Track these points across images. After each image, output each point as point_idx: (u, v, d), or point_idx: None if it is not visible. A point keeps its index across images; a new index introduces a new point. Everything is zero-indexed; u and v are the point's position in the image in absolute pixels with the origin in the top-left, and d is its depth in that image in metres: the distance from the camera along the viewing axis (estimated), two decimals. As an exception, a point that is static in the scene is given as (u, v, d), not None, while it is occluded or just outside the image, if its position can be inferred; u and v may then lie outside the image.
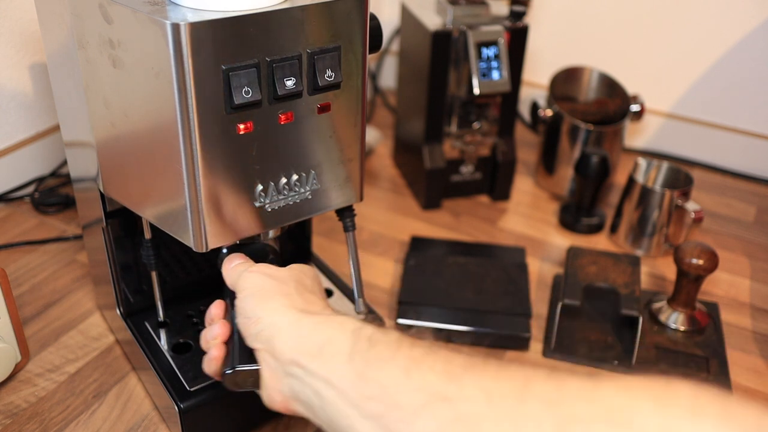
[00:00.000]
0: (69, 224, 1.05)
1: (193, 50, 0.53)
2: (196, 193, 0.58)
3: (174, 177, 0.58)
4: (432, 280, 0.93)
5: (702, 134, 1.31)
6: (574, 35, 1.35)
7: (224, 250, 0.67)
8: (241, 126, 0.58)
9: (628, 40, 1.31)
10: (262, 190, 0.62)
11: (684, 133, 1.32)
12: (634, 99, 1.14)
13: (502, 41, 1.03)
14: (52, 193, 1.09)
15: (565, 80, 1.20)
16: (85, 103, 0.64)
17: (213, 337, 0.61)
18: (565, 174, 1.16)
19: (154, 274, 0.76)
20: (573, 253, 0.93)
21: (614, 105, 1.16)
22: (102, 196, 0.71)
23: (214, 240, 0.61)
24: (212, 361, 0.60)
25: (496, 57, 1.03)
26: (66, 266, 0.97)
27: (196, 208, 0.59)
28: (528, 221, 1.13)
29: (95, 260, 0.82)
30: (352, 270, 0.74)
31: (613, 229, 1.08)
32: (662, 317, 0.90)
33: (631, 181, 1.04)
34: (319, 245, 0.99)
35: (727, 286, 1.00)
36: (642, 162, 1.06)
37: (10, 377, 0.79)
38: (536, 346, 0.87)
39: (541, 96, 1.28)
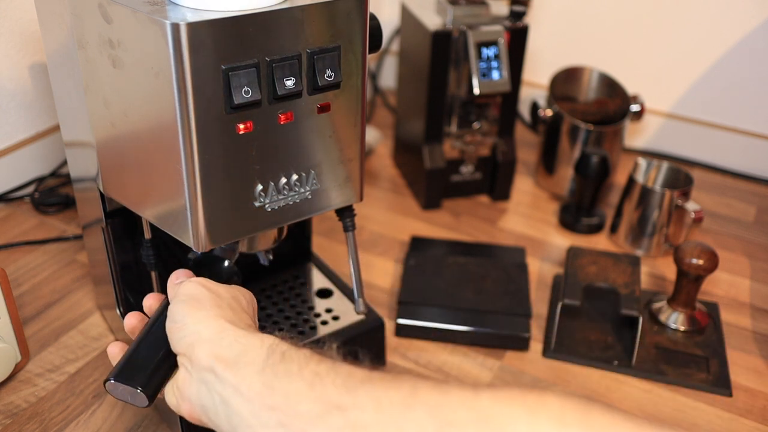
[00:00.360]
0: (69, 224, 1.05)
1: (193, 50, 0.53)
2: (195, 193, 0.58)
3: (174, 177, 0.58)
4: (432, 280, 0.93)
5: (702, 134, 1.31)
6: (574, 35, 1.35)
7: (189, 256, 0.67)
8: (241, 126, 0.58)
9: (628, 40, 1.31)
10: (261, 190, 0.62)
11: (684, 133, 1.32)
12: (634, 99, 1.14)
13: (502, 41, 1.03)
14: (52, 193, 1.09)
15: (565, 80, 1.20)
16: (85, 103, 0.64)
17: (125, 325, 0.64)
18: (565, 174, 1.16)
19: (154, 274, 0.76)
20: (573, 253, 0.93)
21: (614, 105, 1.16)
22: (102, 196, 0.71)
23: (214, 240, 0.61)
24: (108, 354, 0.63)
25: (496, 57, 1.03)
26: (66, 266, 0.97)
27: (195, 208, 0.59)
28: (528, 221, 1.13)
29: (95, 260, 0.82)
30: (352, 270, 0.74)
31: (613, 229, 1.08)
32: (662, 317, 0.90)
33: (631, 181, 1.04)
34: (319, 245, 0.99)
35: (727, 286, 1.00)
36: (642, 162, 1.06)
37: (10, 377, 0.79)
38: (536, 346, 0.87)
39: (541, 96, 1.28)
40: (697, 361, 0.85)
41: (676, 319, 0.89)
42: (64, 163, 1.13)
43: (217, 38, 0.54)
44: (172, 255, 0.81)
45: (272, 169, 0.62)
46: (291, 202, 0.64)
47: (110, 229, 0.75)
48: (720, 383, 0.82)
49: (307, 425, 0.48)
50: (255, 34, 0.55)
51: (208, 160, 0.57)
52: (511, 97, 1.10)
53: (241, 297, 0.61)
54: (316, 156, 0.64)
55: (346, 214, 0.72)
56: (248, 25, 0.55)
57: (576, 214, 1.11)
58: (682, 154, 1.33)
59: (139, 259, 0.78)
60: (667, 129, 1.33)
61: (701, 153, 1.32)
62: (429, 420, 0.46)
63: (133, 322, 0.64)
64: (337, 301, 0.84)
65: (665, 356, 0.86)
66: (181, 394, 0.56)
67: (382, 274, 0.99)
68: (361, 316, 0.81)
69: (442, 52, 1.04)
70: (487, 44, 1.03)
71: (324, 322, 0.81)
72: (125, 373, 0.58)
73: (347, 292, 0.85)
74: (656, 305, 0.92)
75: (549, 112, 1.15)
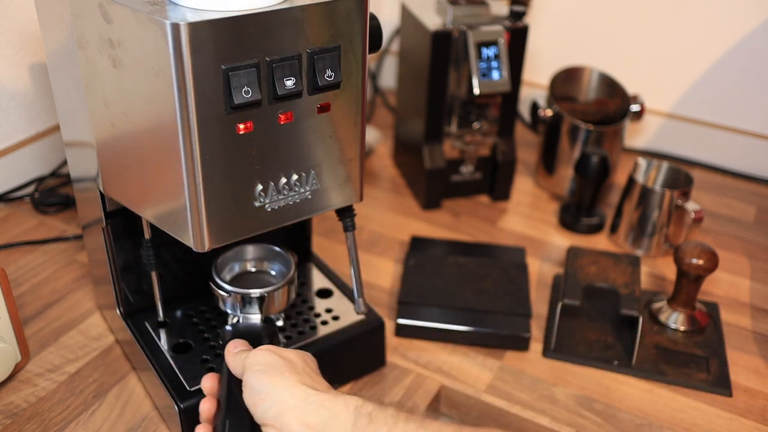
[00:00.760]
0: (69, 224, 1.05)
1: (193, 50, 0.53)
2: (195, 193, 0.58)
3: (174, 177, 0.58)
4: (432, 280, 0.93)
5: (702, 134, 1.31)
6: (574, 35, 1.35)
7: (228, 327, 0.69)
8: (241, 126, 0.58)
9: (628, 40, 1.31)
10: (261, 190, 0.62)
11: (684, 133, 1.32)
12: (634, 99, 1.14)
13: (502, 41, 1.03)
14: (52, 193, 1.09)
15: (565, 80, 1.20)
16: (85, 103, 0.64)
17: (201, 413, 0.63)
18: (565, 174, 1.16)
19: (154, 274, 0.76)
20: (573, 253, 0.93)
21: (614, 105, 1.16)
22: (102, 196, 0.71)
23: (214, 240, 0.61)
24: None
25: (496, 57, 1.03)
26: (66, 266, 0.97)
27: (195, 208, 0.59)
28: (528, 221, 1.13)
29: (95, 260, 0.82)
30: (352, 270, 0.74)
31: (613, 229, 1.08)
32: (662, 317, 0.90)
33: (631, 181, 1.04)
34: (319, 245, 0.99)
35: (727, 286, 1.00)
36: (642, 162, 1.06)
37: (10, 377, 0.79)
38: (536, 346, 0.87)
39: (541, 96, 1.28)
40: (697, 361, 0.85)
41: (676, 319, 0.89)
42: (64, 163, 1.13)
43: (217, 38, 0.54)
44: (172, 255, 0.81)
45: (272, 169, 0.62)
46: (291, 202, 0.64)
47: (110, 229, 0.75)
48: (720, 383, 0.82)
49: None
50: (255, 34, 0.55)
51: (208, 160, 0.57)
52: (511, 97, 1.10)
53: (308, 359, 0.62)
54: (316, 156, 0.64)
55: (346, 214, 0.72)
56: (248, 25, 0.55)
57: (576, 214, 1.11)
58: (682, 154, 1.33)
59: (139, 259, 0.78)
60: (667, 129, 1.33)
61: (701, 153, 1.32)
62: None
63: (206, 405, 0.64)
64: (337, 301, 0.84)
65: (665, 356, 0.86)
66: None
67: (382, 274, 0.99)
68: (361, 316, 0.81)
69: (442, 52, 1.04)
70: (487, 44, 1.03)
71: (324, 322, 0.81)
72: None
73: (347, 292, 0.85)
74: (656, 305, 0.92)
75: (549, 112, 1.15)
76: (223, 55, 0.54)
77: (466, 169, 1.15)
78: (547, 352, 0.86)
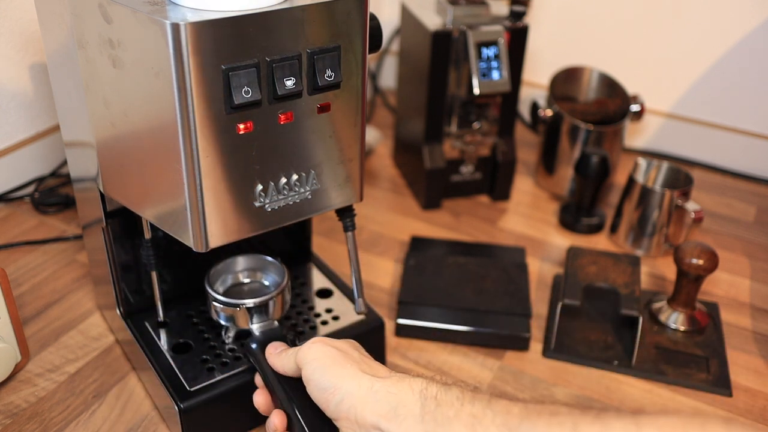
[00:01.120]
0: (69, 224, 1.05)
1: (193, 50, 0.53)
2: (196, 193, 0.58)
3: (174, 177, 0.58)
4: (432, 280, 0.93)
5: (702, 134, 1.31)
6: (574, 35, 1.35)
7: (253, 345, 0.70)
8: (241, 126, 0.58)
9: (628, 40, 1.31)
10: (262, 190, 0.62)
11: (684, 133, 1.32)
12: (634, 99, 1.14)
13: (502, 41, 1.03)
14: (52, 193, 1.09)
15: (565, 80, 1.20)
16: (85, 103, 0.64)
17: (273, 429, 0.64)
18: (565, 174, 1.16)
19: (154, 274, 0.76)
20: (573, 253, 0.93)
21: (614, 105, 1.16)
22: (102, 196, 0.71)
23: (214, 240, 0.61)
24: None
25: (496, 57, 1.03)
26: (66, 266, 0.97)
27: (195, 208, 0.59)
28: (528, 221, 1.13)
29: (95, 260, 0.82)
30: (352, 270, 0.74)
31: (613, 229, 1.08)
32: (662, 317, 0.90)
33: (631, 181, 1.04)
34: (319, 245, 0.99)
35: (727, 286, 1.00)
36: (642, 162, 1.06)
37: (10, 377, 0.79)
38: (536, 346, 0.87)
39: (541, 96, 1.28)
40: (697, 361, 0.85)
41: (676, 319, 0.89)
42: (64, 163, 1.13)
43: (217, 38, 0.54)
44: (172, 255, 0.81)
45: (272, 169, 0.62)
46: (291, 202, 0.64)
47: (110, 229, 0.75)
48: (720, 383, 0.82)
49: None
50: (255, 34, 0.55)
51: (208, 161, 0.57)
52: (511, 97, 1.10)
53: (358, 346, 0.63)
54: (316, 156, 0.64)
55: (346, 214, 0.72)
56: (248, 25, 0.55)
57: (576, 214, 1.11)
58: (682, 154, 1.33)
59: (139, 259, 0.78)
60: (667, 129, 1.33)
61: (701, 153, 1.32)
62: None
63: (261, 398, 0.66)
64: (337, 301, 0.84)
65: (665, 356, 0.86)
66: None
67: (382, 274, 0.99)
68: (361, 316, 0.81)
69: (442, 52, 1.04)
70: (487, 44, 1.03)
71: (324, 322, 0.81)
72: None
73: (347, 292, 0.85)
74: (656, 305, 0.92)
75: (549, 112, 1.15)
76: (223, 55, 0.54)
77: (466, 169, 1.15)
78: (547, 352, 0.86)
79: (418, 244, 1.02)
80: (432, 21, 1.06)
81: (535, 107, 1.17)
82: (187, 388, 0.71)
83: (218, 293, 0.73)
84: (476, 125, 1.12)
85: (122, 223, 0.75)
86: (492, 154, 1.15)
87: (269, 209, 0.63)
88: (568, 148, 1.14)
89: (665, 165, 1.07)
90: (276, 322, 0.73)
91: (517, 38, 1.06)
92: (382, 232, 1.08)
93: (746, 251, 1.08)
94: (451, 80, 1.07)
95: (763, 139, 1.26)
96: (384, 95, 1.50)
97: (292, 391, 0.64)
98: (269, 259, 0.78)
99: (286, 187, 0.63)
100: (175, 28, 0.52)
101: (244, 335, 0.76)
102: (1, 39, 1.00)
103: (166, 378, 0.72)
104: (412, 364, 0.84)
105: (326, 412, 0.58)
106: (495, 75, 1.03)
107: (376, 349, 0.82)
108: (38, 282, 0.93)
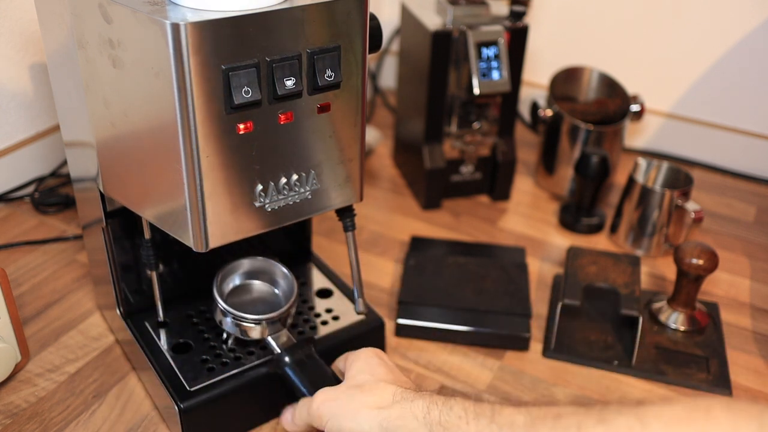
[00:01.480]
0: (69, 224, 1.05)
1: (193, 50, 0.53)
2: (195, 193, 0.58)
3: (174, 177, 0.58)
4: (432, 280, 0.93)
5: (702, 134, 1.31)
6: (574, 35, 1.35)
7: (287, 368, 0.72)
8: (241, 126, 0.58)
9: (628, 40, 1.31)
10: (262, 190, 0.62)
11: (684, 133, 1.32)
12: (634, 99, 1.14)
13: (502, 41, 1.03)
14: (52, 193, 1.09)
15: (565, 80, 1.20)
16: (85, 103, 0.64)
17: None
18: (565, 174, 1.16)
19: (154, 274, 0.76)
20: (573, 253, 0.93)
21: (614, 105, 1.16)
22: (102, 196, 0.71)
23: (214, 240, 0.61)
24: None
25: (496, 57, 1.03)
26: (66, 266, 0.97)
27: (195, 208, 0.59)
28: (528, 221, 1.13)
29: (95, 260, 0.82)
30: (352, 270, 0.74)
31: (613, 229, 1.08)
32: (662, 317, 0.90)
33: (631, 181, 1.04)
34: (319, 245, 0.99)
35: (727, 286, 1.00)
36: (642, 162, 1.06)
37: (10, 377, 0.79)
38: (536, 346, 0.87)
39: (541, 96, 1.28)
40: (697, 361, 0.85)
41: (676, 319, 0.89)
42: (64, 163, 1.13)
43: (217, 38, 0.54)
44: (172, 255, 0.81)
45: (272, 169, 0.62)
46: (291, 202, 0.64)
47: (110, 229, 0.75)
48: (720, 383, 0.82)
49: None
50: (255, 34, 0.55)
51: (208, 160, 0.57)
52: (511, 97, 1.10)
53: (368, 362, 0.67)
54: (316, 156, 0.64)
55: (346, 214, 0.72)
56: (248, 25, 0.55)
57: (576, 214, 1.11)
58: (682, 154, 1.33)
59: (139, 259, 0.78)
60: (667, 129, 1.33)
61: (701, 153, 1.32)
62: None
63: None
64: (337, 301, 0.84)
65: (665, 356, 0.86)
66: None
67: (382, 274, 0.99)
68: (361, 316, 0.81)
69: (442, 52, 1.04)
70: (487, 44, 1.03)
71: (324, 322, 0.81)
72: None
73: (347, 292, 0.85)
74: (656, 305, 0.92)
75: (549, 112, 1.15)
76: (223, 55, 0.54)
77: (466, 169, 1.15)
78: (547, 352, 0.86)
79: (418, 244, 1.02)
80: (432, 21, 1.06)
81: (535, 107, 1.17)
82: (187, 388, 0.71)
83: (225, 301, 0.73)
84: (476, 125, 1.12)
85: (122, 223, 0.75)
86: (492, 154, 1.15)
87: (269, 209, 0.63)
88: (568, 148, 1.14)
89: (665, 165, 1.07)
90: (286, 330, 0.74)
91: (517, 38, 1.06)
92: (382, 232, 1.08)
93: (746, 251, 1.08)
94: (451, 80, 1.07)
95: (763, 139, 1.26)
96: (384, 95, 1.50)
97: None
98: (271, 261, 0.78)
99: (286, 187, 0.63)
100: (175, 28, 0.52)
101: (246, 341, 0.76)
102: (1, 39, 1.00)
103: (166, 378, 0.72)
104: (413, 364, 0.84)
105: None
106: (495, 75, 1.03)
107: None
108: (38, 282, 0.93)
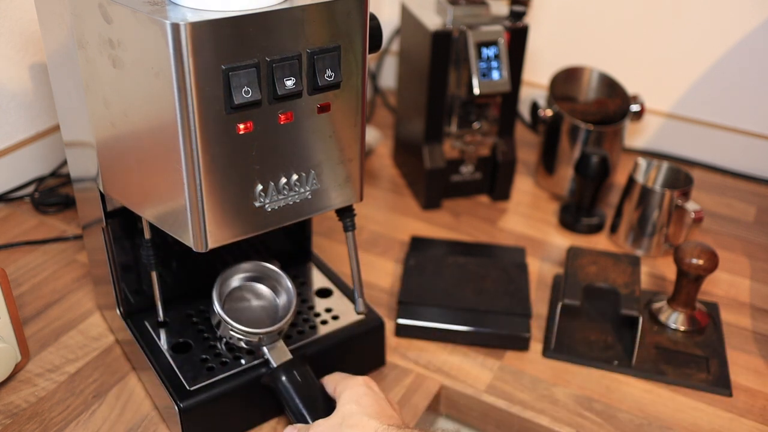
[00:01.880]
0: (69, 224, 1.05)
1: (193, 50, 0.53)
2: (196, 193, 0.58)
3: (174, 177, 0.58)
4: (432, 280, 0.93)
5: (702, 134, 1.31)
6: (574, 35, 1.35)
7: (284, 378, 0.72)
8: (241, 126, 0.58)
9: (628, 40, 1.31)
10: (262, 190, 0.62)
11: (684, 133, 1.32)
12: (634, 99, 1.14)
13: (502, 41, 1.03)
14: (52, 193, 1.09)
15: (565, 80, 1.20)
16: (85, 103, 0.64)
17: None
18: (565, 174, 1.16)
19: (154, 274, 0.76)
20: (573, 253, 0.93)
21: (614, 105, 1.16)
22: (102, 196, 0.71)
23: (214, 240, 0.61)
24: None
25: (496, 57, 1.03)
26: (66, 266, 0.97)
27: (195, 207, 0.59)
28: (528, 221, 1.13)
29: (95, 260, 0.82)
30: (352, 270, 0.74)
31: (613, 229, 1.08)
32: (662, 317, 0.90)
33: (631, 181, 1.04)
34: (319, 245, 0.99)
35: (727, 286, 1.00)
36: (642, 162, 1.06)
37: (10, 377, 0.79)
38: (536, 346, 0.87)
39: (541, 96, 1.28)
40: (697, 361, 0.85)
41: (676, 319, 0.89)
42: (64, 163, 1.13)
43: (217, 38, 0.54)
44: (172, 255, 0.81)
45: (272, 169, 0.62)
46: (291, 202, 0.64)
47: (110, 229, 0.75)
48: (720, 383, 0.82)
49: None
50: (255, 34, 0.55)
51: (208, 160, 0.57)
52: (511, 97, 1.10)
53: (354, 397, 0.68)
54: (316, 156, 0.64)
55: (346, 214, 0.72)
56: (248, 25, 0.55)
57: (576, 214, 1.11)
58: (682, 154, 1.33)
59: (139, 259, 0.78)
60: (667, 129, 1.33)
61: (701, 153, 1.32)
62: None
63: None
64: (337, 301, 0.84)
65: (665, 356, 0.86)
66: None
67: (382, 274, 0.99)
68: (361, 316, 0.81)
69: (442, 52, 1.04)
70: (487, 44, 1.03)
71: (324, 322, 0.81)
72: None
73: (347, 292, 0.85)
74: (656, 305, 0.92)
75: (549, 112, 1.15)
76: (223, 55, 0.54)
77: (466, 169, 1.15)
78: (547, 352, 0.86)
79: (418, 244, 1.02)
80: (432, 21, 1.06)
81: (535, 107, 1.17)
82: (187, 387, 0.71)
83: (224, 303, 0.73)
84: (476, 125, 1.12)
85: (122, 223, 0.75)
86: (492, 154, 1.15)
87: (269, 209, 0.63)
88: (568, 148, 1.14)
89: (665, 165, 1.07)
90: (281, 342, 0.74)
91: (517, 38, 1.06)
92: (382, 232, 1.08)
93: (746, 251, 1.08)
94: (451, 80, 1.07)
95: (763, 139, 1.26)
96: (384, 95, 1.50)
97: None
98: (276, 270, 0.77)
99: (286, 187, 0.63)
100: (175, 28, 0.52)
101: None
102: (1, 39, 1.00)
103: (166, 378, 0.72)
104: (412, 364, 0.84)
105: None
106: (495, 75, 1.03)
107: (376, 349, 0.82)
108: (38, 282, 0.93)
